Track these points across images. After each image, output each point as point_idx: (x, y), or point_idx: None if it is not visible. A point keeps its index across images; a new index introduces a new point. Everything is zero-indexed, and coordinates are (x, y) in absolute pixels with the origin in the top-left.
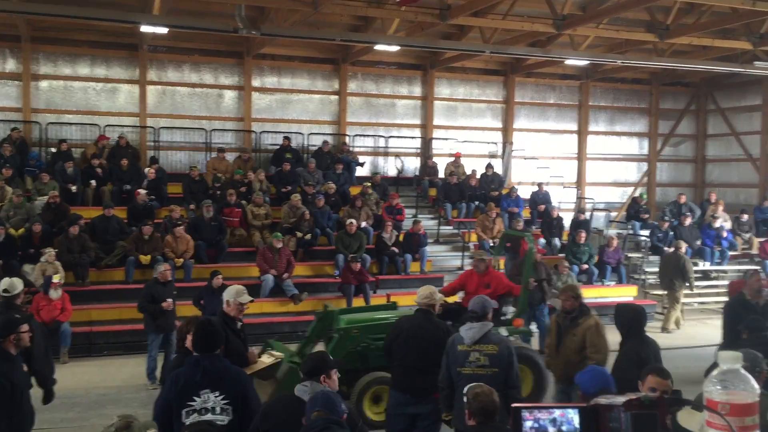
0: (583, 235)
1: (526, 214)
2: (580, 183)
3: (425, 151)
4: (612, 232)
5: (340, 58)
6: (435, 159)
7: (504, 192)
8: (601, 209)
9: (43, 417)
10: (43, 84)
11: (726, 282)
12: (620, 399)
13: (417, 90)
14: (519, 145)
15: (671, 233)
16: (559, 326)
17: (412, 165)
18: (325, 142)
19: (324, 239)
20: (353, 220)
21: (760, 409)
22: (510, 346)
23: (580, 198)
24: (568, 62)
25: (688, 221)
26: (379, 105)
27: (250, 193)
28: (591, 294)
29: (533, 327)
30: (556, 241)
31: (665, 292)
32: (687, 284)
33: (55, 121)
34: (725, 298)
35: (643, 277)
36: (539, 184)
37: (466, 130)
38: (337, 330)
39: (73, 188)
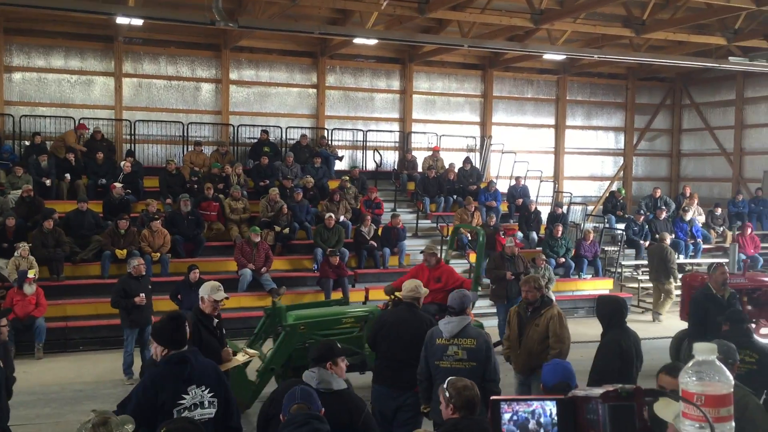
0: (560, 228)
1: (504, 208)
2: (557, 177)
3: (404, 145)
4: (589, 225)
5: (319, 51)
6: (413, 153)
7: (482, 186)
8: (578, 203)
9: (18, 413)
10: (17, 76)
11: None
12: (597, 390)
13: (395, 84)
14: (497, 139)
15: (646, 227)
16: (521, 317)
17: (391, 159)
18: (303, 136)
19: (302, 233)
20: (332, 214)
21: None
22: (488, 340)
23: (558, 192)
24: (546, 57)
25: (663, 215)
26: (358, 99)
27: (228, 187)
28: (568, 287)
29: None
30: (534, 235)
31: (654, 284)
32: (672, 276)
33: (28, 114)
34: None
35: (619, 270)
36: (517, 178)
37: (445, 124)
38: (284, 326)
39: (48, 182)
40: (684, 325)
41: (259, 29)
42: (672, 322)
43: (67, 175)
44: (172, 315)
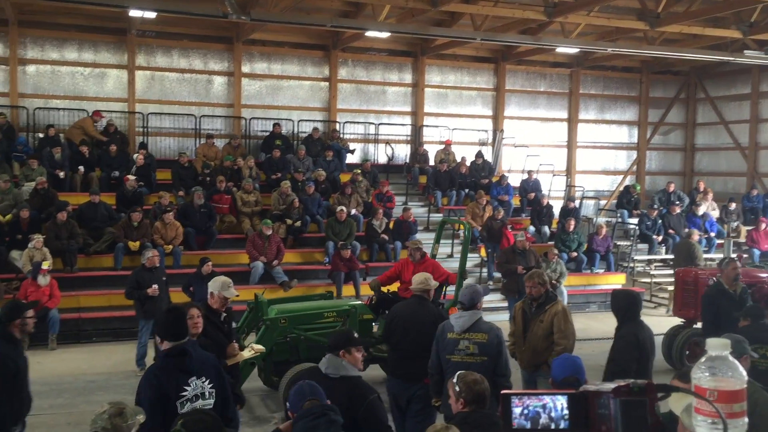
0: (573, 223)
1: (516, 201)
2: (569, 171)
3: (416, 139)
4: (601, 220)
5: (331, 44)
6: (425, 146)
7: (494, 180)
8: (591, 197)
9: (32, 403)
10: (31, 68)
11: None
12: (609, 385)
13: (407, 77)
14: (509, 132)
15: (660, 221)
16: (525, 313)
17: (403, 152)
18: (315, 129)
19: (314, 226)
20: (343, 208)
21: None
22: (499, 335)
23: (570, 186)
24: (559, 50)
25: (677, 210)
26: (370, 92)
27: (240, 180)
28: (580, 282)
29: None
30: (546, 229)
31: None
32: None
33: (42, 106)
34: None
35: (631, 265)
36: (529, 172)
37: (457, 118)
38: (265, 320)
39: (61, 174)
40: (677, 321)
41: (272, 22)
42: None
43: (81, 168)
44: (170, 307)
